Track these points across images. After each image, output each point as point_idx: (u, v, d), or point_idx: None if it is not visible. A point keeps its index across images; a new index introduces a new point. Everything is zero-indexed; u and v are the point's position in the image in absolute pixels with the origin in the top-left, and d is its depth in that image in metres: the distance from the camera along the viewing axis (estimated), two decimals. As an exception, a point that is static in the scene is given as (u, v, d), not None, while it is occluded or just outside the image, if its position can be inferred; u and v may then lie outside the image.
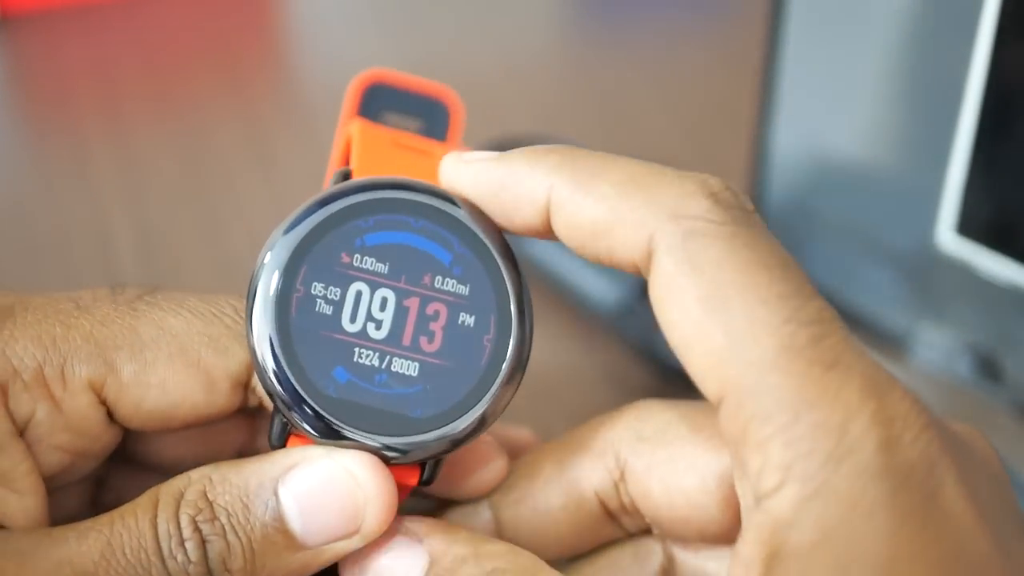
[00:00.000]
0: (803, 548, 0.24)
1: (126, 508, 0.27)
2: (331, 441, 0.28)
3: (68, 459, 0.29)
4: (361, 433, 0.28)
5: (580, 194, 0.27)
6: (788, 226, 0.50)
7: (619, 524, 0.31)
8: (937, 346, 0.47)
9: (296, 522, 0.27)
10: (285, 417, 0.28)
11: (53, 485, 0.29)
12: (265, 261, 0.28)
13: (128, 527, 0.26)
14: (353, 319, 0.28)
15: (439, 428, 0.28)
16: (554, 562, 0.31)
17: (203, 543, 0.26)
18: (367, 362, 0.28)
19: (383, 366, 0.28)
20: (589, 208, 0.27)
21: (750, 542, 0.25)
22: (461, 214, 0.29)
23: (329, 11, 0.68)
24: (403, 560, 0.28)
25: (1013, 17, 0.40)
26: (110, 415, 0.29)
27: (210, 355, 0.29)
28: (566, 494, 0.31)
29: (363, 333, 0.28)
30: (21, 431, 0.28)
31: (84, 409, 0.29)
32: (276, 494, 0.27)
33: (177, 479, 0.27)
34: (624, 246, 0.27)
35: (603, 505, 0.31)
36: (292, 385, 0.28)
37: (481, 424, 0.29)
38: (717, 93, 0.62)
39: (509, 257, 0.29)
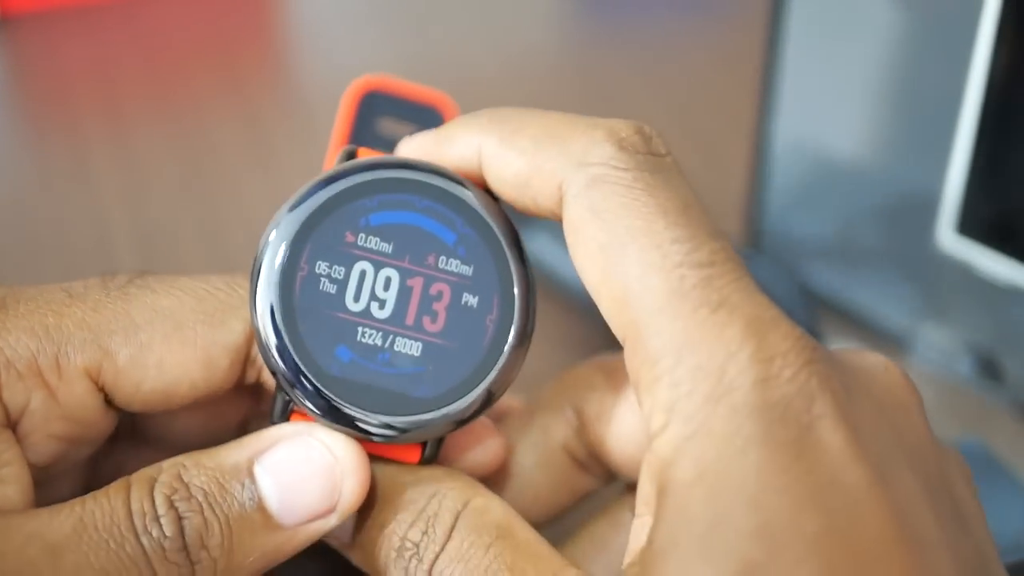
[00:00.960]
0: (683, 485, 0.24)
1: (98, 491, 0.27)
2: (331, 420, 0.28)
3: (63, 447, 0.29)
4: (363, 411, 0.28)
5: (503, 149, 0.28)
6: (788, 226, 0.50)
7: (591, 474, 0.32)
8: (937, 346, 0.47)
9: (273, 499, 0.27)
10: (287, 395, 0.28)
11: (47, 475, 0.29)
12: (270, 239, 0.28)
13: (100, 505, 0.26)
14: (357, 298, 0.28)
15: (441, 408, 0.28)
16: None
17: (179, 519, 0.26)
18: (370, 341, 0.28)
19: (386, 345, 0.28)
20: (511, 162, 0.28)
21: (645, 480, 0.26)
22: (465, 194, 0.29)
23: (329, 11, 0.68)
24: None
25: (1013, 17, 0.40)
26: (107, 401, 0.29)
27: (206, 331, 0.29)
28: (537, 452, 0.32)
29: (367, 312, 0.28)
30: (15, 422, 0.28)
31: (81, 396, 0.29)
32: (252, 473, 0.27)
33: (147, 468, 0.27)
34: (542, 195, 0.28)
35: (571, 457, 0.32)
36: (295, 363, 0.28)
37: (484, 404, 0.29)
38: (717, 93, 0.62)
39: (513, 237, 0.29)
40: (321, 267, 0.28)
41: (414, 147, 0.30)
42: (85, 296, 0.29)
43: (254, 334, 0.28)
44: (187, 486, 0.27)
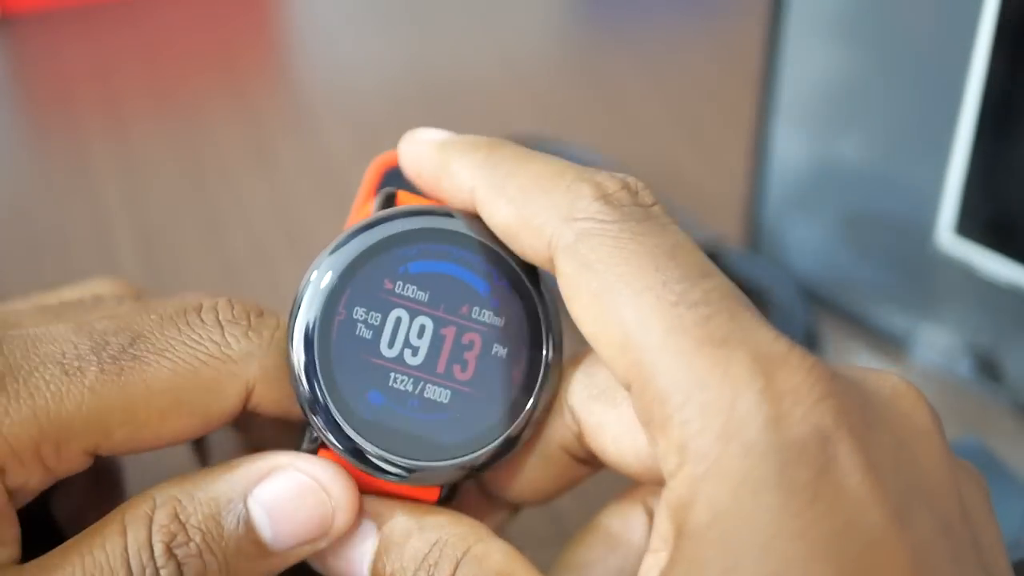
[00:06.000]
0: (698, 528, 0.24)
1: (94, 539, 0.27)
2: (357, 461, 0.28)
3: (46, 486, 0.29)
4: (388, 454, 0.28)
5: (493, 195, 0.29)
6: (788, 226, 0.50)
7: (591, 466, 0.32)
8: (937, 346, 0.47)
9: (267, 531, 0.28)
10: (318, 434, 0.29)
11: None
12: (310, 280, 0.28)
13: (98, 562, 0.27)
14: (391, 344, 0.29)
15: (463, 456, 0.29)
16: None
17: (179, 568, 0.27)
18: (401, 387, 0.29)
19: (416, 391, 0.29)
20: (501, 211, 0.28)
21: (662, 518, 0.26)
22: (501, 248, 0.29)
23: (330, 11, 0.68)
24: (356, 545, 0.29)
25: (1013, 18, 0.40)
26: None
27: (203, 403, 0.29)
28: (535, 453, 0.32)
29: (400, 359, 0.29)
30: (10, 493, 0.28)
31: (76, 468, 0.29)
32: (246, 506, 0.28)
33: (140, 500, 0.28)
34: (532, 248, 0.28)
35: (570, 455, 0.32)
36: (327, 405, 0.28)
37: (501, 453, 0.29)
38: (717, 93, 0.63)
39: (544, 294, 0.30)
40: (359, 313, 0.28)
41: (416, 161, 0.30)
42: (81, 372, 0.28)
43: (289, 372, 0.28)
44: (184, 527, 0.27)
